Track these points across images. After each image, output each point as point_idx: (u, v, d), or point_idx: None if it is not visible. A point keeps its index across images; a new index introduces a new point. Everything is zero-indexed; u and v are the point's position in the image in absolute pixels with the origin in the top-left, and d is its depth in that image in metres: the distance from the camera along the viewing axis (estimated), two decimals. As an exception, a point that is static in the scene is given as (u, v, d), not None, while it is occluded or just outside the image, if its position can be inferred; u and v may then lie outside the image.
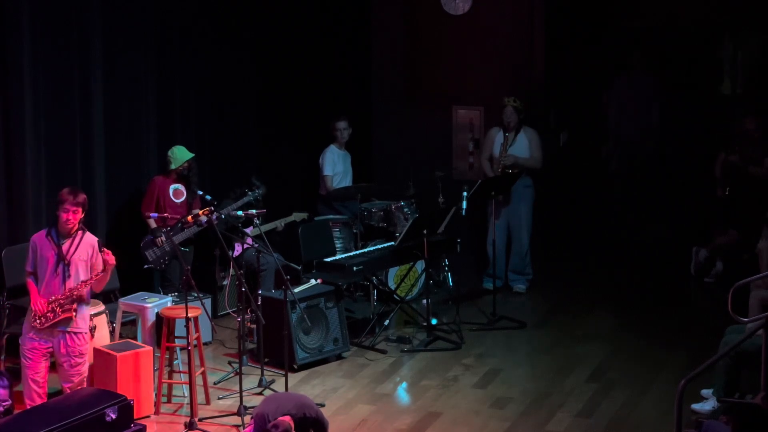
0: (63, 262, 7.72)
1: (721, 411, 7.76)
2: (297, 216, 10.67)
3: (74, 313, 7.75)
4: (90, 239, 7.83)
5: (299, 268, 10.35)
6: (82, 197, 7.75)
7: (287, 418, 6.62)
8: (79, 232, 7.79)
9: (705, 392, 8.46)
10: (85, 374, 7.95)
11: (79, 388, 7.83)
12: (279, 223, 10.55)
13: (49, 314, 7.71)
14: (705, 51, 13.71)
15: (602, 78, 13.31)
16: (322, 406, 8.64)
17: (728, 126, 11.89)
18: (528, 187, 11.26)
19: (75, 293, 7.75)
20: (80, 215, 7.75)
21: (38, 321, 7.73)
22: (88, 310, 7.97)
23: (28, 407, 7.67)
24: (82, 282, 7.77)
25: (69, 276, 7.74)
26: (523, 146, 11.17)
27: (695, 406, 8.36)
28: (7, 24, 8.94)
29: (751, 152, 11.07)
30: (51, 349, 7.84)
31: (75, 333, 7.82)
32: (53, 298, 7.72)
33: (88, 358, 8.02)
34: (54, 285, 7.75)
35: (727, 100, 13.50)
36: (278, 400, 6.91)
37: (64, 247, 7.73)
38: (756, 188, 10.86)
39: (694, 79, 13.48)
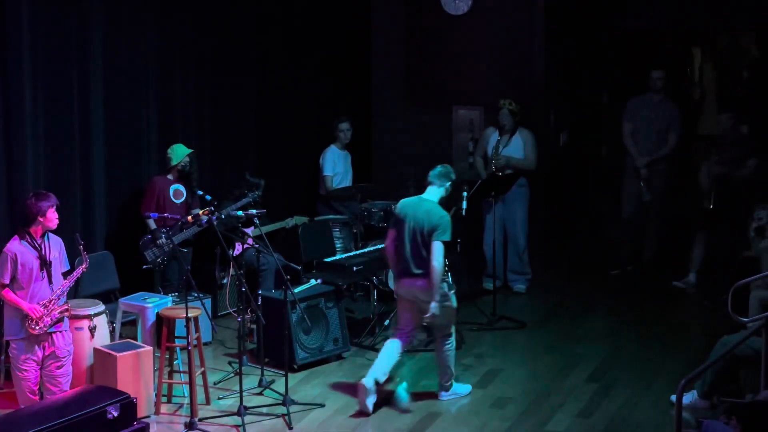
0: (46, 264, 7.74)
1: (722, 411, 7.76)
2: (298, 220, 10.69)
3: (68, 313, 7.81)
4: (56, 238, 7.89)
5: (299, 268, 10.35)
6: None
7: None
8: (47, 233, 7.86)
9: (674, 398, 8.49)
10: (70, 375, 7.92)
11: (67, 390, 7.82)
12: (286, 223, 10.59)
13: (45, 318, 7.70)
14: (705, 51, 13.74)
15: (602, 78, 13.33)
16: (322, 406, 8.65)
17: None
18: (522, 187, 11.25)
19: (65, 291, 7.80)
20: None
21: (37, 327, 7.70)
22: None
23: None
24: (69, 279, 7.85)
25: (52, 276, 7.78)
26: (519, 147, 11.17)
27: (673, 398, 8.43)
28: (7, 21, 8.92)
29: (732, 155, 10.89)
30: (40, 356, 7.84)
31: (62, 331, 7.83)
32: (45, 300, 7.72)
33: (83, 360, 7.99)
34: (41, 288, 7.74)
35: (727, 101, 13.51)
36: None
37: (42, 249, 7.77)
38: (742, 193, 10.69)
39: (694, 80, 13.53)
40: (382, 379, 8.55)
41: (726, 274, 11.05)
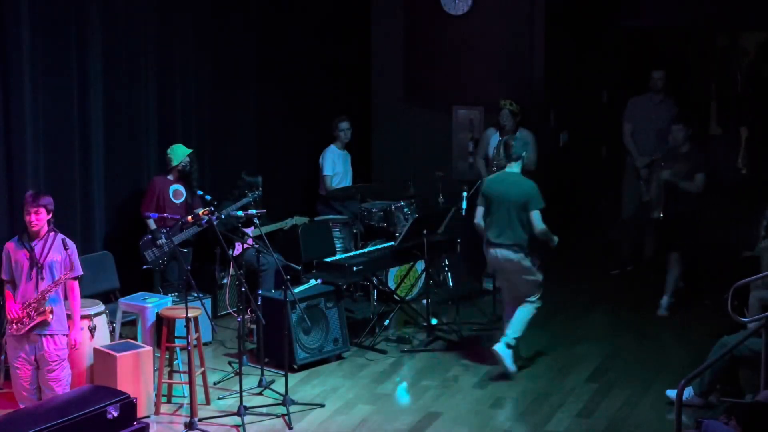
0: (36, 265, 7.64)
1: (722, 411, 7.77)
2: (298, 220, 10.70)
3: (50, 316, 7.61)
4: (65, 240, 7.75)
5: (299, 268, 10.35)
6: (44, 199, 7.65)
7: None
8: (51, 234, 7.70)
9: (670, 392, 8.49)
10: (66, 380, 7.77)
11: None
12: (285, 223, 10.60)
13: (24, 319, 7.61)
14: (704, 51, 13.72)
15: (602, 78, 13.32)
16: (322, 406, 8.65)
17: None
18: None
19: (47, 295, 7.62)
20: (44, 216, 7.64)
21: (14, 327, 7.64)
22: (64, 313, 7.76)
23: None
24: (53, 283, 7.65)
25: (42, 279, 7.63)
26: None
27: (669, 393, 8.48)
28: (7, 22, 8.92)
29: (681, 167, 10.65)
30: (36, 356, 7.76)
31: (51, 335, 7.67)
32: (27, 302, 7.63)
33: (83, 360, 7.93)
34: (29, 289, 7.64)
35: (730, 101, 13.51)
36: None
37: (37, 250, 7.65)
38: (690, 205, 10.59)
39: (693, 80, 13.51)
40: (513, 342, 9.12)
41: (725, 274, 11.07)
